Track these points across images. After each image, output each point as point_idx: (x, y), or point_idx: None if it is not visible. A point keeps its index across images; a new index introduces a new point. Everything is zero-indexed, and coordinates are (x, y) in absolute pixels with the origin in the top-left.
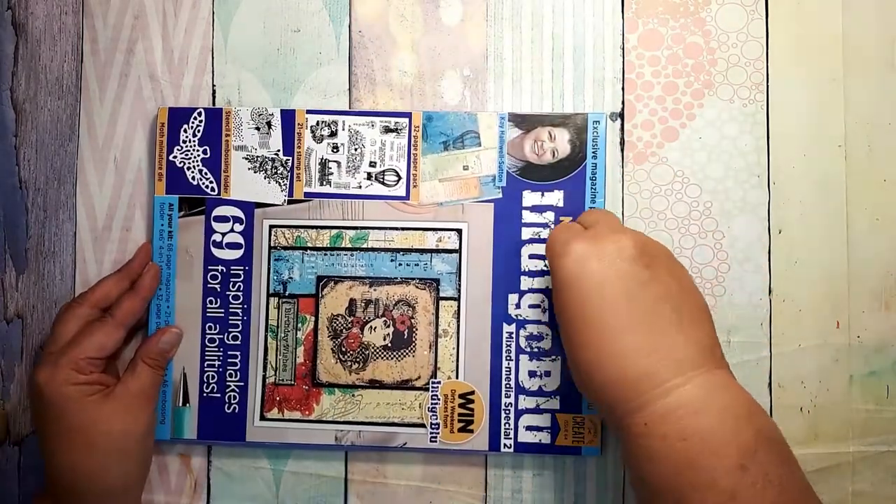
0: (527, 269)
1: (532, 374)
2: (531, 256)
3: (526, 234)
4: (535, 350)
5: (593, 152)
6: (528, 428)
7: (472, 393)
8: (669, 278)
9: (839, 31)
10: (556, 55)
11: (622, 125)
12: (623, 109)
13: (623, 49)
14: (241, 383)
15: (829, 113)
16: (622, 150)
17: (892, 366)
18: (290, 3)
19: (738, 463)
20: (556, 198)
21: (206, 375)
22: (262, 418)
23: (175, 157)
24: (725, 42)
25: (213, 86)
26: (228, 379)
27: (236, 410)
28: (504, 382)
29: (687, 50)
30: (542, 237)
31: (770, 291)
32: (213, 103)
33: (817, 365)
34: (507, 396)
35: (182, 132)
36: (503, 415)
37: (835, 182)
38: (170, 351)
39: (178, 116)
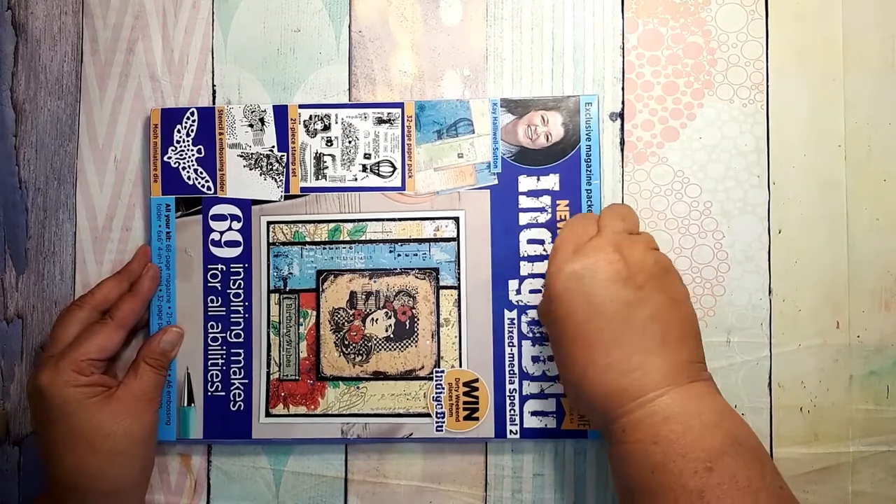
0: (526, 255)
1: (535, 359)
2: (529, 241)
3: (523, 219)
4: (538, 335)
5: (587, 135)
6: (534, 413)
7: (476, 381)
8: (661, 296)
9: (839, 31)
10: (556, 55)
11: (622, 125)
12: (623, 109)
13: (623, 49)
14: (246, 380)
15: (829, 113)
16: (622, 150)
17: (892, 366)
18: (290, 3)
19: (705, 465)
20: (552, 182)
21: (209, 374)
22: (268, 414)
23: (170, 157)
24: (725, 42)
25: (213, 86)
26: (232, 377)
27: (241, 408)
28: (508, 369)
29: (687, 50)
30: (539, 221)
31: (770, 291)
32: (213, 104)
33: (817, 365)
34: (512, 383)
35: (176, 132)
36: (508, 401)
37: (835, 182)
38: (171, 351)
39: (171, 117)
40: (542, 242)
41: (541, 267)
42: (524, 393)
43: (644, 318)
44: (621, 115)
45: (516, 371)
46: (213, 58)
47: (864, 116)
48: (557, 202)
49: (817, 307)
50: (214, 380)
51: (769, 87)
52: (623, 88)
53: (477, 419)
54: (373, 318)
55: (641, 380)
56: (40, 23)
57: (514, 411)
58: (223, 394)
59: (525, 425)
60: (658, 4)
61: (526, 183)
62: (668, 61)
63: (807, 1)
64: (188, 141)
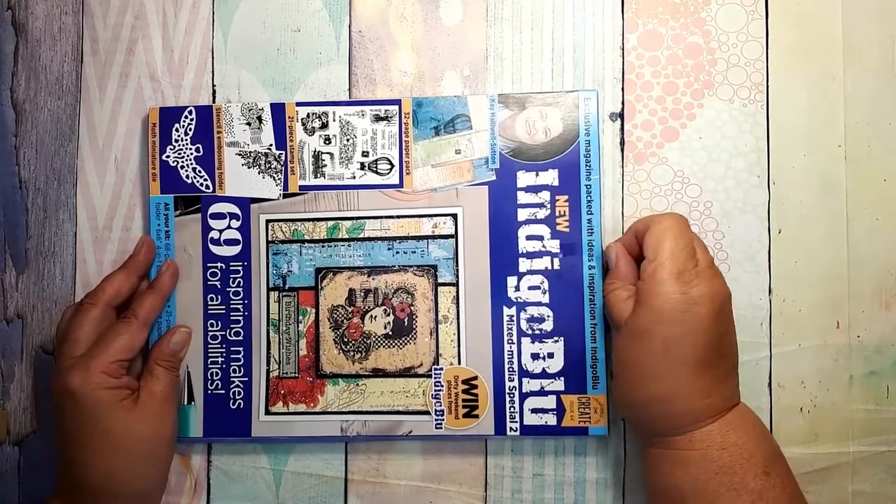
0: (524, 251)
1: (535, 356)
2: (528, 237)
3: (522, 214)
4: (537, 332)
5: (586, 130)
6: (534, 410)
7: (475, 378)
8: (733, 326)
9: (839, 31)
10: (556, 55)
11: (622, 125)
12: (623, 109)
13: (623, 49)
14: (245, 378)
15: (829, 113)
16: (622, 150)
17: (892, 366)
18: (290, 3)
19: (764, 469)
20: (550, 177)
21: (209, 372)
22: (268, 412)
23: (168, 156)
24: (725, 42)
25: (213, 86)
26: (232, 375)
27: (241, 406)
28: (507, 366)
29: (687, 50)
30: (538, 217)
31: (770, 291)
32: (213, 103)
33: (817, 365)
34: (511, 380)
35: (174, 131)
36: (508, 398)
37: (835, 182)
38: (181, 351)
39: (170, 116)
40: (540, 238)
41: (540, 263)
42: (524, 390)
43: (727, 345)
44: (621, 116)
45: (516, 368)
46: (213, 58)
47: (864, 116)
48: (556, 197)
49: (817, 307)
50: (214, 378)
51: (769, 87)
52: (623, 88)
53: (476, 416)
54: (371, 316)
55: (722, 401)
56: (40, 23)
57: (514, 409)
58: (223, 392)
59: (525, 422)
60: (658, 4)
61: (524, 178)
62: (668, 61)
63: (807, 1)
64: (186, 140)
